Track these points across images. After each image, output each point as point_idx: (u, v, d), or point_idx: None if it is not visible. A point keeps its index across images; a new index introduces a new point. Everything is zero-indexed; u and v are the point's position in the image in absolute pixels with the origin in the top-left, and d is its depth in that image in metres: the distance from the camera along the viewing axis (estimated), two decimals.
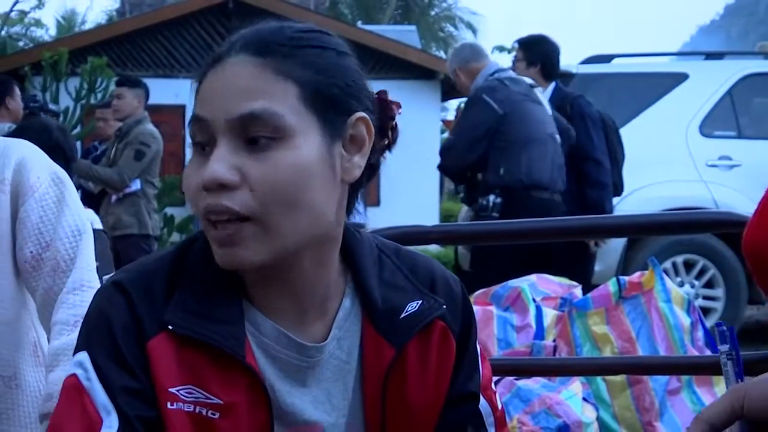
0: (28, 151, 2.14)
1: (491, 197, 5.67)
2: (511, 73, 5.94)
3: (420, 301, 1.57)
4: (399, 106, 1.61)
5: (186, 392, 1.44)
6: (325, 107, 1.44)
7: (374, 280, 1.57)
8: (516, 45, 6.62)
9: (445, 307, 1.59)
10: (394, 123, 1.59)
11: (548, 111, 5.93)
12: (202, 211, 1.42)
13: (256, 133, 1.39)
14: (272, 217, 1.40)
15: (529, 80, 6.00)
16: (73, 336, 1.56)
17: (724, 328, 1.63)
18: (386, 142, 1.59)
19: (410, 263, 1.64)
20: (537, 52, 6.47)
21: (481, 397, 1.66)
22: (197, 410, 1.44)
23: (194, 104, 1.47)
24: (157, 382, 1.43)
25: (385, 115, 1.57)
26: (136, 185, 7.88)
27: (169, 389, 1.43)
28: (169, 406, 1.44)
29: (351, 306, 1.57)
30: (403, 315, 1.55)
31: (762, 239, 1.63)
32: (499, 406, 1.70)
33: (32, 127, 4.14)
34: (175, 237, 14.38)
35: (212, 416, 1.44)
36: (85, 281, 2.03)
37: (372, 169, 1.58)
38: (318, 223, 1.46)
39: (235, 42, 1.46)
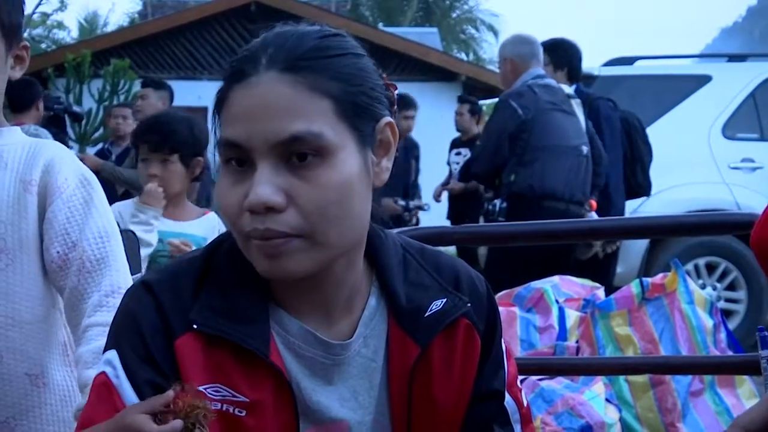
0: (56, 153, 2.15)
1: (497, 202, 5.70)
2: (549, 81, 5.90)
3: (444, 300, 1.58)
4: (395, 87, 1.60)
5: (213, 390, 1.45)
6: (357, 117, 1.45)
7: (399, 279, 1.58)
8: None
9: (469, 305, 1.60)
10: (395, 108, 1.59)
11: (581, 123, 5.90)
12: (245, 232, 1.42)
13: (300, 150, 1.39)
14: (321, 232, 1.41)
15: (568, 89, 6.00)
16: None
17: (767, 333, 1.63)
18: None
19: (435, 262, 1.65)
20: (563, 56, 6.47)
21: (507, 395, 1.67)
22: (224, 408, 1.45)
23: (222, 124, 1.46)
24: (184, 380, 1.44)
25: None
26: None
27: (198, 388, 1.44)
28: None
29: (377, 305, 1.59)
30: (427, 313, 1.56)
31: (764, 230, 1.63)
32: (525, 403, 1.71)
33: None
34: None
35: (239, 414, 1.46)
36: (122, 284, 2.03)
37: None
38: (360, 229, 1.49)
39: (257, 57, 1.44)
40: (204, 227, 3.93)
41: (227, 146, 1.43)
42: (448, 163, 10.19)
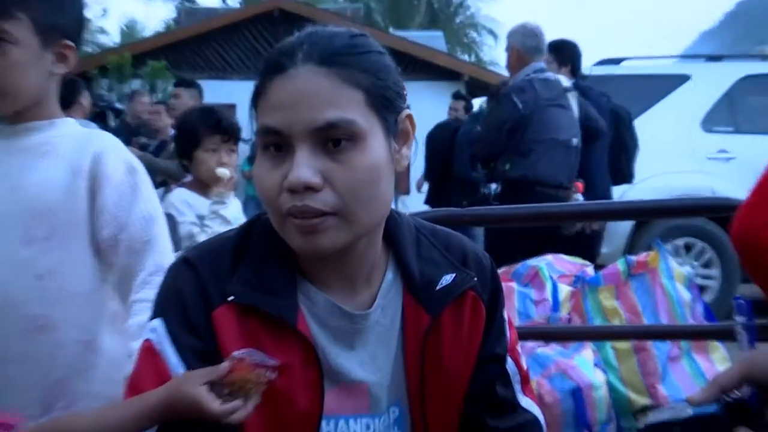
0: (106, 143, 2.17)
1: (492, 186, 5.71)
2: (548, 75, 5.85)
3: (454, 275, 1.60)
4: (403, 87, 1.61)
5: (248, 353, 1.46)
6: (384, 108, 1.47)
7: (412, 256, 1.60)
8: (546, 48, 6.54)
9: (476, 279, 1.62)
10: (407, 103, 1.61)
11: (575, 115, 5.87)
12: (284, 210, 1.43)
13: (336, 137, 1.40)
14: (352, 211, 1.43)
15: (566, 83, 5.96)
16: None
17: (742, 301, 1.64)
18: None
19: (444, 241, 1.67)
20: (567, 54, 6.49)
21: (509, 358, 1.69)
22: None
23: (260, 114, 1.47)
24: (222, 346, 1.47)
25: None
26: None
27: (232, 352, 1.47)
28: None
29: (393, 279, 1.61)
30: (438, 287, 1.58)
31: (752, 224, 1.64)
32: (524, 366, 1.73)
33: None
34: None
35: (270, 375, 1.47)
36: (165, 264, 2.02)
37: None
38: (383, 210, 1.51)
39: (294, 52, 1.44)
40: (235, 208, 3.96)
41: (267, 133, 1.44)
42: None
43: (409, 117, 1.54)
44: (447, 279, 1.59)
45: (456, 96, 10.33)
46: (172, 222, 3.45)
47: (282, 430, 1.52)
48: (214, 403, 1.40)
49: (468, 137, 7.82)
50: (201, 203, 3.77)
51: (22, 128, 2.14)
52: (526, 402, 1.73)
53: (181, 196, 3.81)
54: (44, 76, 2.13)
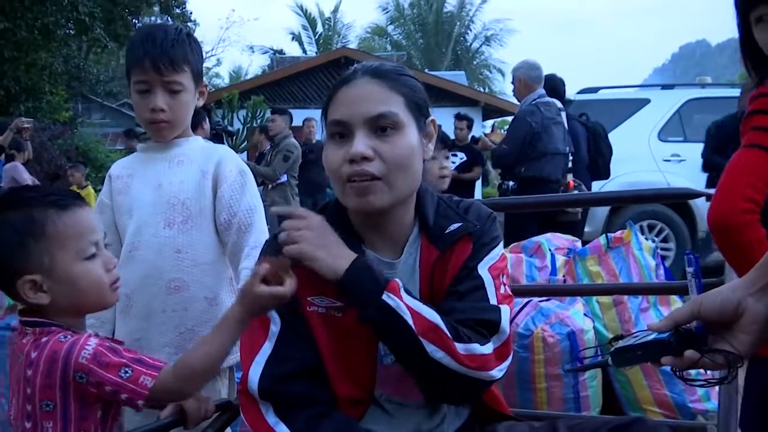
0: (225, 153, 2.19)
1: (510, 183, 5.77)
2: (548, 99, 5.86)
3: (460, 224, 1.61)
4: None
5: (319, 300, 1.53)
6: (416, 112, 1.55)
7: (431, 213, 1.62)
8: None
9: (478, 226, 1.62)
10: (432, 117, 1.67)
11: (566, 129, 5.91)
12: (345, 176, 1.50)
13: (384, 125, 1.49)
14: (393, 177, 1.49)
15: (559, 104, 5.94)
16: None
17: (692, 255, 1.60)
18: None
19: (457, 202, 1.69)
20: (553, 86, 6.41)
21: (487, 272, 1.59)
22: (328, 311, 1.53)
23: (330, 113, 1.54)
24: (300, 294, 1.51)
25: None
26: (283, 178, 7.96)
27: (308, 298, 1.53)
28: (308, 309, 1.54)
29: (417, 233, 1.62)
30: (447, 231, 1.60)
31: (724, 210, 1.59)
32: (503, 291, 1.59)
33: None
34: None
35: (338, 315, 1.53)
36: (262, 241, 2.05)
37: None
38: (416, 182, 1.56)
39: (355, 71, 1.54)
40: None
41: (334, 124, 1.52)
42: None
43: (433, 122, 1.62)
44: (454, 226, 1.61)
45: (458, 117, 9.96)
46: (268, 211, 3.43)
47: (346, 335, 1.54)
48: (276, 288, 1.45)
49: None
50: None
51: (166, 144, 2.19)
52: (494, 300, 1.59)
53: None
54: (193, 109, 2.19)
